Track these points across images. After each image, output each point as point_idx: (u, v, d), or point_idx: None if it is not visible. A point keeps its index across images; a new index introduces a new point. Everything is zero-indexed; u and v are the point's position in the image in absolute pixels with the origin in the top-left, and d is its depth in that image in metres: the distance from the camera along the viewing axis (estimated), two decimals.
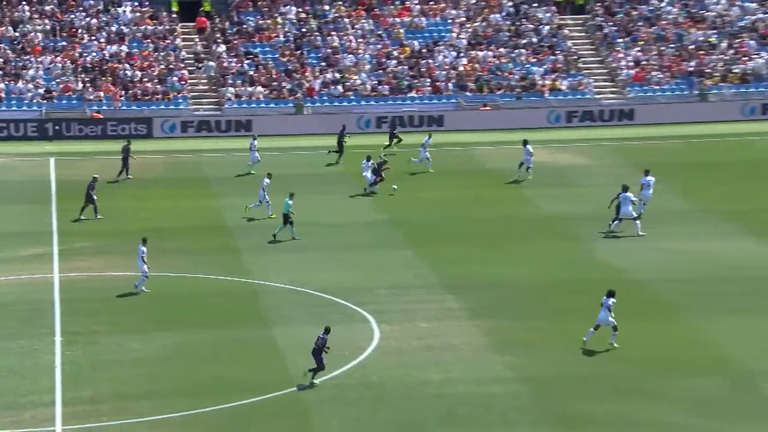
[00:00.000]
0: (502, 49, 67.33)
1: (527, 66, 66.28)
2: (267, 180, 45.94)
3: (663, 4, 70.14)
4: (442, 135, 60.00)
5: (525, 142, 50.96)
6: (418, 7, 69.86)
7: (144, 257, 37.27)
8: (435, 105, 63.97)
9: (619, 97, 65.36)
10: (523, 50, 67.24)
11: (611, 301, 32.54)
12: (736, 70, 65.55)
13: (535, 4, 70.34)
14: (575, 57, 67.36)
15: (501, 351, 32.66)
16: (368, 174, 49.24)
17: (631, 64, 66.65)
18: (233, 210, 47.09)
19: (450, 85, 65.09)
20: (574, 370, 31.58)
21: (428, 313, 35.71)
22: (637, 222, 42.74)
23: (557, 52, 67.38)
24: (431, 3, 70.27)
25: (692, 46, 67.40)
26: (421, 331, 34.29)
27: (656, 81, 65.47)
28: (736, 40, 67.66)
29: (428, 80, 65.20)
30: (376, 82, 65.12)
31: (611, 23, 69.40)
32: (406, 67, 66.06)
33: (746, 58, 66.32)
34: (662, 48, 67.42)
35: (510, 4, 70.36)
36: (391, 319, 35.14)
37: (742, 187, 49.09)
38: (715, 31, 68.32)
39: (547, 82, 65.19)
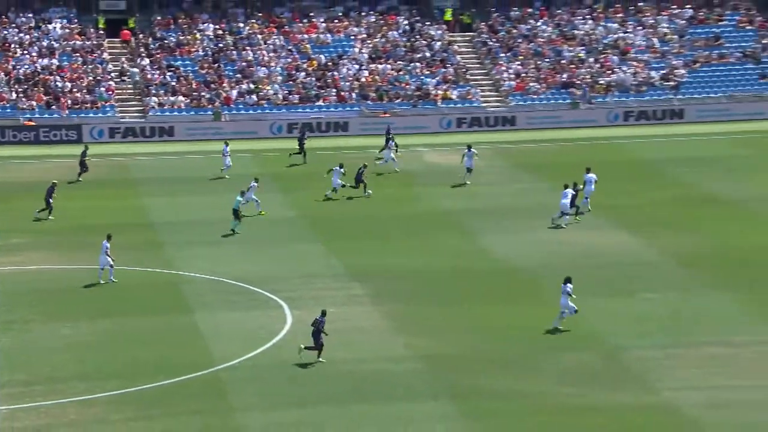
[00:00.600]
0: (399, 63, 67.43)
1: (422, 77, 66.47)
2: (254, 183, 45.06)
3: (539, 24, 70.89)
4: (347, 139, 59.92)
5: (469, 147, 50.77)
6: (323, 24, 69.65)
7: (108, 251, 36.60)
8: (340, 112, 63.75)
9: (502, 105, 65.84)
10: (417, 64, 67.41)
11: (569, 286, 32.60)
12: (602, 82, 66.45)
13: (428, 23, 70.58)
14: (464, 70, 67.71)
15: (402, 332, 32.65)
16: (337, 179, 47.26)
17: (513, 76, 67.20)
18: (158, 208, 46.41)
19: (353, 94, 64.96)
20: (467, 348, 31.70)
21: (336, 300, 35.54)
22: (566, 217, 42.85)
23: (448, 65, 67.67)
24: (335, 21, 70.11)
25: (564, 61, 68.18)
26: (330, 316, 34.01)
27: (534, 91, 66.08)
28: (601, 56, 68.60)
29: (334, 90, 65.00)
30: (287, 92, 64.76)
31: (495, 40, 69.92)
32: (313, 78, 65.77)
33: (610, 72, 67.31)
34: (539, 62, 68.10)
35: (406, 22, 70.56)
36: (303, 305, 34.89)
37: (612, 185, 49.67)
38: (583, 48, 69.20)
39: (440, 91, 65.42)
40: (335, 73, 66.26)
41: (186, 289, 36.78)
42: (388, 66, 67.11)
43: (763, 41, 69.38)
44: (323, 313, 30.44)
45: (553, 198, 46.48)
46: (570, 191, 43.01)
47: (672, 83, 66.54)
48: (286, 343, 31.88)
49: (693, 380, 29.29)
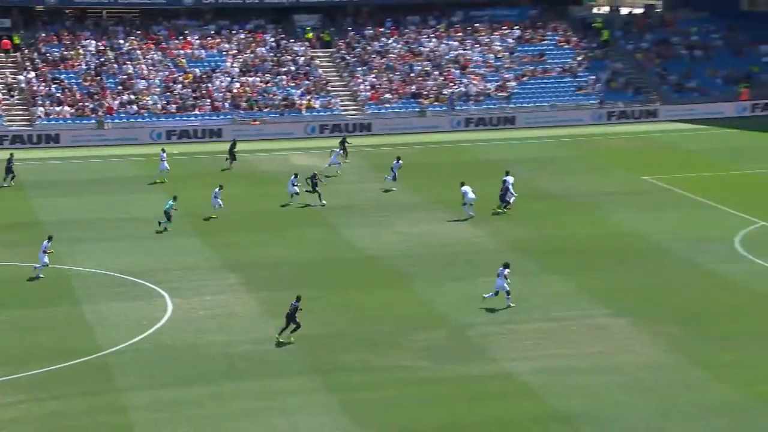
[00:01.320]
0: (267, 76, 66.80)
1: (288, 89, 65.97)
2: (218, 190, 43.55)
3: (390, 42, 71.21)
4: (221, 145, 58.96)
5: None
6: (197, 41, 68.50)
7: (46, 250, 35.32)
8: (214, 120, 62.75)
9: (360, 113, 65.84)
10: (284, 76, 66.89)
11: (506, 270, 32.76)
12: (446, 92, 67.16)
13: (292, 41, 70.17)
14: (325, 82, 67.47)
15: (274, 316, 32.28)
16: (294, 188, 45.21)
17: (368, 87, 67.32)
18: (46, 209, 44.84)
19: (226, 104, 64.03)
20: (332, 329, 31.56)
21: (213, 289, 34.94)
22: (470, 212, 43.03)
23: (311, 78, 67.35)
24: (208, 38, 69.03)
25: (413, 74, 68.66)
26: (207, 303, 33.56)
27: (387, 100, 66.34)
28: (445, 70, 69.37)
29: (208, 100, 63.95)
30: (165, 102, 63.41)
31: (352, 56, 69.92)
32: (189, 89, 64.58)
33: (452, 84, 68.11)
34: (391, 75, 68.41)
35: (272, 40, 69.96)
36: (182, 295, 34.21)
37: (453, 182, 50.20)
38: (429, 62, 69.83)
39: (304, 101, 65.06)
40: (209, 84, 65.21)
41: (75, 282, 35.62)
42: (258, 78, 66.43)
43: (579, 58, 71.28)
44: (298, 298, 30.23)
45: (404, 196, 46.78)
46: (467, 188, 43.38)
47: (505, 94, 67.75)
48: (166, 330, 31.20)
49: (527, 351, 29.80)
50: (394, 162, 49.06)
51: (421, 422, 25.59)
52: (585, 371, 28.25)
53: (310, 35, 70.90)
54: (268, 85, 66.17)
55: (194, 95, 64.34)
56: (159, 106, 62.98)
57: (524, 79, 69.24)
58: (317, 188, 45.71)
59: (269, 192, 48.75)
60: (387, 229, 42.35)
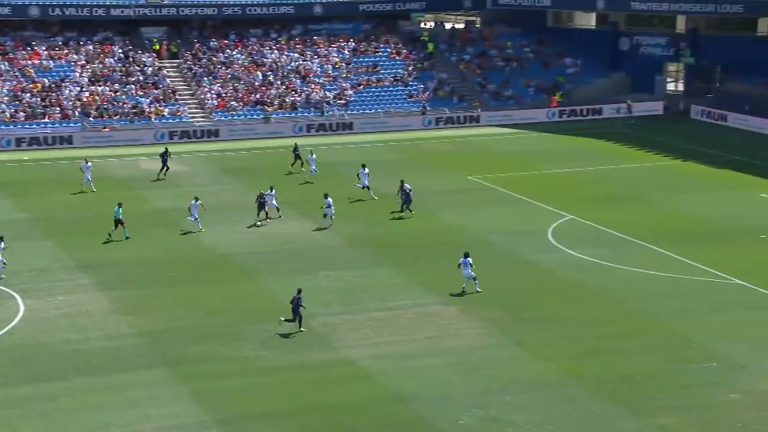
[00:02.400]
0: (116, 85, 64.84)
1: (137, 97, 64.23)
2: (195, 202, 40.97)
3: (234, 53, 70.42)
4: (70, 151, 56.89)
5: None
6: (45, 52, 65.87)
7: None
8: (65, 128, 60.41)
9: (207, 120, 64.76)
10: (132, 86, 65.08)
11: (469, 260, 32.80)
12: (288, 100, 66.91)
13: (140, 52, 68.39)
14: (173, 91, 66.03)
15: (125, 313, 31.38)
16: (273, 202, 42.65)
17: (215, 95, 66.31)
18: None
19: (76, 112, 61.76)
20: (181, 323, 30.93)
21: (65, 289, 33.64)
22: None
23: (159, 87, 65.79)
24: (56, 49, 66.45)
25: (257, 83, 68.10)
26: (60, 303, 32.29)
27: (233, 108, 65.55)
28: (286, 79, 69.11)
29: (58, 108, 61.52)
30: (14, 110, 60.62)
31: (198, 66, 68.73)
32: (38, 98, 61.95)
33: (294, 92, 67.93)
34: (236, 84, 67.64)
35: (120, 51, 68.03)
36: (34, 296, 32.80)
37: (295, 184, 50.16)
38: (271, 72, 69.41)
39: (153, 109, 63.48)
40: (58, 93, 62.74)
41: None
42: (107, 88, 64.43)
43: (409, 68, 72.38)
44: (299, 291, 30.01)
45: (249, 196, 46.28)
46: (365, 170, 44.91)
47: (342, 101, 68.05)
48: (19, 330, 29.84)
49: (364, 339, 29.99)
50: (360, 169, 46.68)
51: (268, 408, 25.39)
52: (418, 355, 28.66)
53: (158, 46, 69.31)
54: (117, 93, 64.27)
55: (43, 104, 61.78)
56: (7, 114, 60.17)
57: (360, 88, 69.75)
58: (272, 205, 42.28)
59: (120, 196, 47.34)
60: (234, 228, 41.82)
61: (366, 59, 72.71)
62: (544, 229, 41.16)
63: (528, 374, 27.12)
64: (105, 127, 61.02)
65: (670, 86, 75.04)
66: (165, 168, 50.95)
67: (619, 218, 42.36)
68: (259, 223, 41.71)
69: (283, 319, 30.16)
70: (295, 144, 54.05)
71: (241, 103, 66.04)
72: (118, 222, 39.47)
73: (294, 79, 69.05)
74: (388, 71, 71.87)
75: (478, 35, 78.21)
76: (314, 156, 51.16)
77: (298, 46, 72.39)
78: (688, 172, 52.15)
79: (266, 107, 65.91)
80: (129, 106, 63.33)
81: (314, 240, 40.26)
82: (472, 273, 33.49)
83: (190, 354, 28.52)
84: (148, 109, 63.39)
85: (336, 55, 72.28)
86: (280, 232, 41.27)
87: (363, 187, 46.23)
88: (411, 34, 76.70)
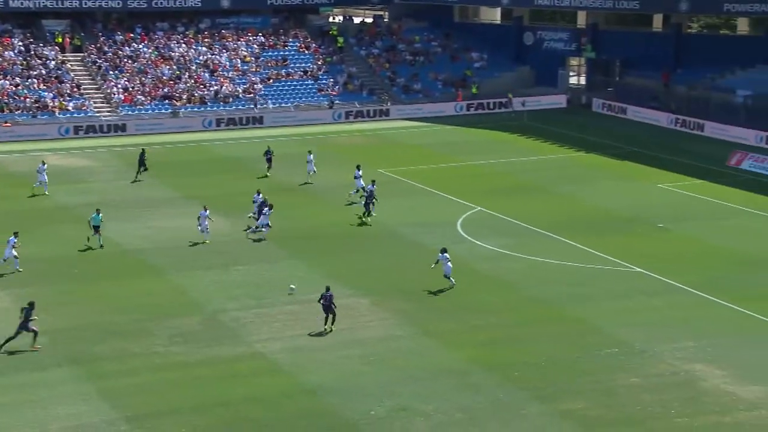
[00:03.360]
0: (17, 79, 62.92)
1: (39, 91, 62.45)
2: (204, 212, 38.29)
3: (140, 47, 69.09)
4: None
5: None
6: None
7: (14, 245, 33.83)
8: None
9: (114, 114, 63.41)
10: (34, 80, 63.24)
11: (446, 255, 32.42)
12: (197, 94, 66.00)
13: (42, 45, 66.50)
14: (77, 85, 64.42)
15: None
16: (263, 221, 39.71)
17: (121, 90, 64.96)
18: None
19: None
20: (87, 321, 30.30)
21: None
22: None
23: (63, 81, 64.10)
24: None
25: (165, 77, 66.96)
26: None
27: (140, 102, 64.32)
28: (195, 73, 68.15)
29: None
30: None
31: (104, 60, 67.21)
32: None
33: (203, 86, 67.03)
34: (143, 78, 66.38)
35: (21, 44, 66.07)
36: None
37: (205, 178, 49.63)
38: (179, 66, 68.34)
39: (57, 103, 61.80)
40: None
41: None
42: (7, 82, 62.46)
43: (318, 62, 72.17)
44: (327, 289, 29.62)
45: (159, 192, 45.52)
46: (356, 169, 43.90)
47: (252, 95, 67.46)
48: None
49: (277, 332, 29.85)
50: (356, 171, 44.89)
51: (178, 403, 25.05)
52: (330, 347, 28.64)
53: (60, 39, 67.50)
54: (19, 87, 62.38)
55: None
56: None
57: (270, 81, 69.25)
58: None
59: (22, 192, 46.04)
60: (142, 224, 41.09)
61: (275, 53, 72.23)
62: (454, 221, 41.57)
63: (437, 363, 27.37)
64: (6, 122, 59.18)
65: (573, 80, 76.62)
66: (142, 168, 48.63)
67: (526, 209, 43.07)
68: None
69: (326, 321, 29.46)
70: (268, 147, 51.60)
71: (148, 98, 64.86)
72: (96, 228, 37.88)
73: (202, 74, 68.13)
74: (298, 65, 71.55)
75: (386, 29, 78.46)
76: (312, 156, 49.16)
77: (206, 40, 71.47)
78: (590, 164, 53.33)
79: (174, 101, 64.88)
80: (31, 100, 61.56)
81: (223, 234, 39.83)
82: (450, 266, 32.85)
83: (98, 352, 27.94)
84: (51, 104, 61.73)
85: (245, 49, 71.61)
86: (188, 227, 40.67)
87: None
88: (320, 28, 76.49)
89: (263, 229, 39.03)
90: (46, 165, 46.92)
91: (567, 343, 28.53)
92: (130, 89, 65.14)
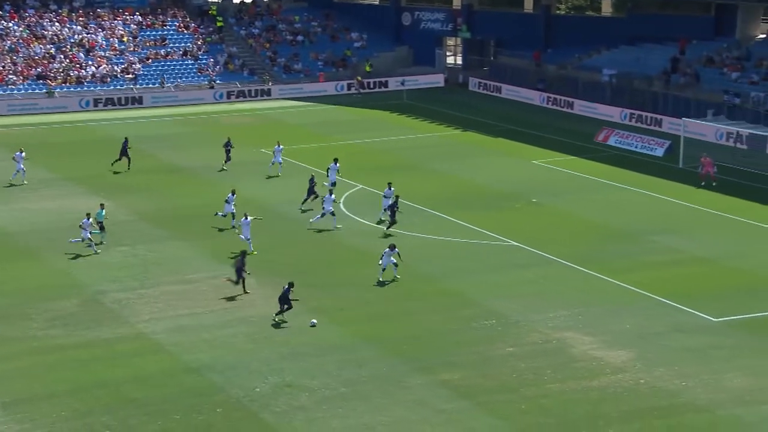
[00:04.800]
0: None
1: None
2: (246, 219, 34.41)
3: (10, 24, 66.37)
4: None
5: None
6: None
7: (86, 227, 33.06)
8: None
9: None
10: None
11: (396, 250, 31.40)
12: (72, 74, 63.85)
13: None
14: None
15: None
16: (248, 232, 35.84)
17: None
18: None
19: None
20: None
21: None
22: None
23: None
24: None
25: (37, 57, 64.49)
26: None
27: (12, 82, 61.81)
28: (70, 52, 65.90)
29: None
30: None
31: None
32: None
33: (78, 66, 64.90)
34: (14, 57, 63.75)
35: None
36: None
37: (83, 159, 48.22)
38: (53, 46, 65.94)
39: None
40: None
41: None
42: None
43: (198, 42, 70.87)
44: (290, 284, 28.53)
45: (36, 173, 43.97)
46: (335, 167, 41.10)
47: (131, 75, 65.74)
48: None
49: (159, 312, 29.34)
50: (331, 164, 42.12)
51: (56, 387, 24.35)
52: (214, 326, 28.35)
53: None
54: None
55: None
56: None
57: (149, 61, 67.63)
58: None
59: None
60: (18, 206, 39.66)
61: (153, 33, 70.55)
62: (337, 198, 41.63)
63: (321, 339, 27.44)
64: None
65: (450, 59, 77.58)
66: (123, 158, 45.71)
67: (406, 186, 43.47)
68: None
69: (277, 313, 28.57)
70: (228, 138, 47.84)
71: (21, 77, 62.36)
72: (100, 225, 35.96)
73: (78, 53, 65.93)
74: (177, 45, 70.09)
75: (266, 9, 77.61)
76: (281, 147, 46.42)
77: (80, 18, 69.13)
78: (467, 141, 54.21)
79: (49, 81, 62.61)
80: None
81: (106, 215, 38.79)
82: (394, 259, 31.91)
83: None
84: None
85: (122, 28, 69.65)
86: (67, 208, 39.50)
87: (330, 185, 40.74)
88: (199, 8, 75.10)
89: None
90: (23, 153, 44.33)
91: (447, 317, 29.04)
92: (1, 69, 62.47)
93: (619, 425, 22.43)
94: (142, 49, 68.46)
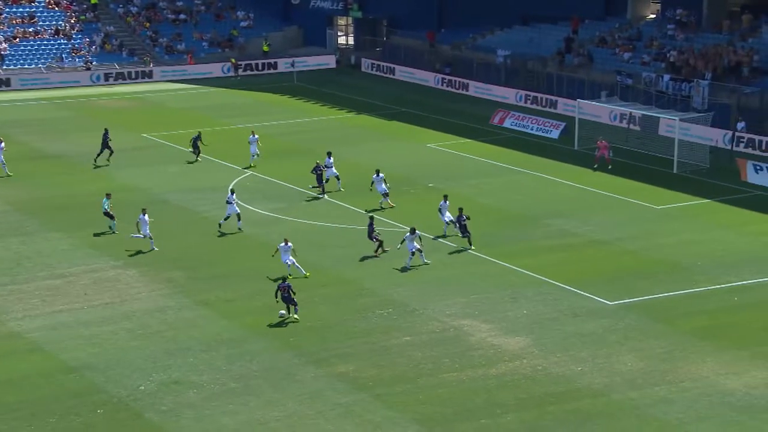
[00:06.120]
0: None
1: None
2: (286, 245, 31.48)
3: None
4: None
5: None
6: None
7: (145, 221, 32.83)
8: None
9: None
10: None
11: (417, 233, 31.82)
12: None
13: None
14: None
15: None
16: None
17: None
18: None
19: None
20: None
21: None
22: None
23: None
24: None
25: None
26: None
27: None
28: None
29: None
30: None
31: None
32: None
33: None
34: None
35: None
36: None
37: None
38: None
39: None
40: None
41: None
42: None
43: (71, 21, 68.89)
44: (284, 279, 28.87)
45: None
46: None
47: None
48: None
49: (33, 309, 28.55)
50: (374, 176, 38.88)
51: None
52: (93, 322, 27.73)
53: None
54: None
55: None
56: None
57: (16, 41, 65.37)
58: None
59: None
60: None
61: (20, 9, 68.24)
62: (225, 185, 41.19)
63: (210, 333, 27.16)
64: None
65: (341, 39, 77.54)
66: (105, 150, 43.73)
67: (297, 172, 43.34)
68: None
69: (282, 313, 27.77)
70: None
71: None
72: (107, 214, 34.65)
73: None
74: (47, 23, 67.94)
75: None
76: (256, 137, 44.62)
77: None
78: (360, 125, 54.36)
79: None
80: None
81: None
82: (417, 245, 31.82)
83: None
84: None
85: None
86: None
87: (384, 195, 38.43)
88: None
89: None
90: (3, 143, 42.50)
91: (341, 306, 29.13)
92: None
93: (516, 413, 22.96)
94: (8, 27, 66.07)
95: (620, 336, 27.05)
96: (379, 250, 33.07)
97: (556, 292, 30.21)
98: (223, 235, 35.23)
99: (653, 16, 62.18)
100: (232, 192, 36.37)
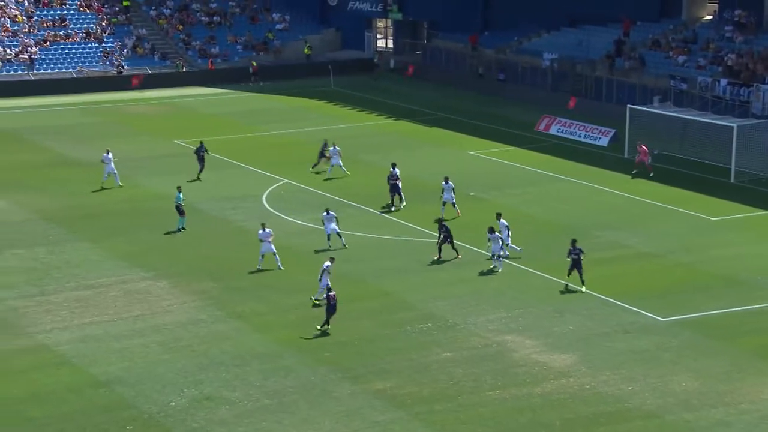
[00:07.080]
0: None
1: None
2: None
3: None
4: None
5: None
6: None
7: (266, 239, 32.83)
8: None
9: None
10: None
11: (496, 234, 32.37)
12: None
13: None
14: None
15: None
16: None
17: None
18: None
19: None
20: None
21: None
22: None
23: None
24: None
25: None
26: None
27: None
28: None
29: None
30: None
31: None
32: None
33: None
34: None
35: None
36: None
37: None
38: None
39: None
40: None
41: None
42: None
43: (102, 23, 69.79)
44: (329, 289, 28.18)
45: None
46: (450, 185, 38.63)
47: (27, 59, 64.41)
48: None
49: (62, 322, 28.87)
50: (443, 183, 38.79)
51: None
52: (124, 335, 28.00)
53: None
54: None
55: None
56: None
57: (46, 44, 66.35)
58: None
59: None
60: None
61: (51, 12, 69.24)
62: (259, 195, 41.46)
63: (244, 347, 27.32)
64: None
65: (380, 43, 77.73)
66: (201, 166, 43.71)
67: (335, 180, 43.48)
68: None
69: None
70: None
71: None
72: (180, 210, 35.61)
73: None
74: (79, 26, 68.89)
75: None
76: (338, 148, 44.40)
77: None
78: (399, 131, 54.44)
79: None
80: None
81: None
82: (503, 249, 32.73)
83: None
84: None
85: (14, 7, 68.13)
86: None
87: (452, 204, 38.59)
88: None
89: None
90: None
91: (379, 321, 29.15)
92: None
93: None
94: (39, 31, 67.11)
95: (674, 354, 26.79)
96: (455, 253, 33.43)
97: (605, 306, 30.00)
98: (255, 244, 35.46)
99: (710, 17, 61.59)
100: (327, 211, 35.18)
